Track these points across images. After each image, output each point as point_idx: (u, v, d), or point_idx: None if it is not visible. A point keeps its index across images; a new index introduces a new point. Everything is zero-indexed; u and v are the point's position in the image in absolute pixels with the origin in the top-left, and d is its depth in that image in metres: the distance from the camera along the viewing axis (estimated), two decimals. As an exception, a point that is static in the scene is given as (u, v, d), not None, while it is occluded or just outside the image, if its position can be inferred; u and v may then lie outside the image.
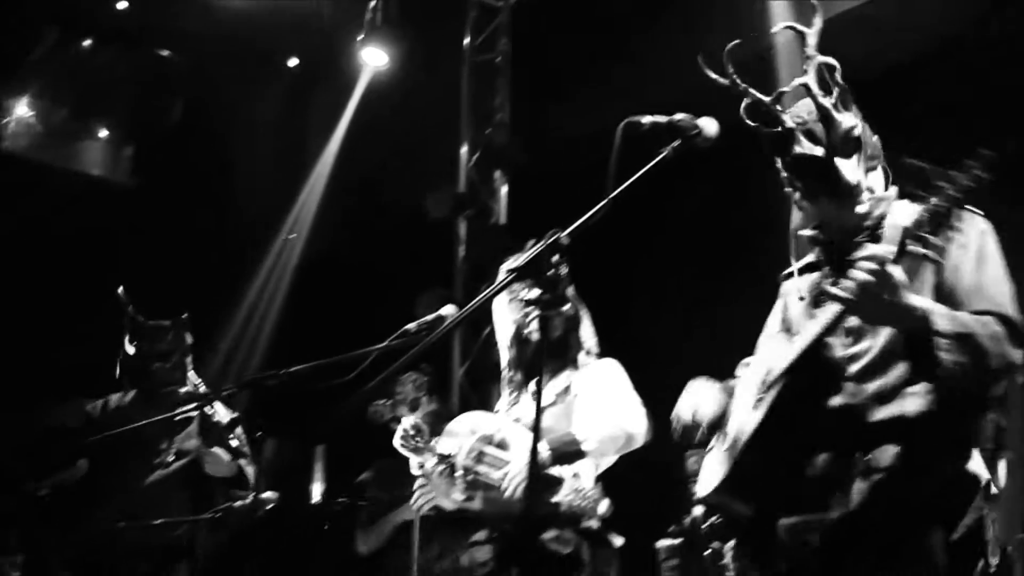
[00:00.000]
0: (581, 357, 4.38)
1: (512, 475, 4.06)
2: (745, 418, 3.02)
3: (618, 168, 2.81)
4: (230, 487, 5.15)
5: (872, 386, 2.87)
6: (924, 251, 2.71)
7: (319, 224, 8.62)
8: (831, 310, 2.80)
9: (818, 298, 3.03)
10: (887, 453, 2.82)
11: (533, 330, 4.32)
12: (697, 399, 3.22)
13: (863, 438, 2.85)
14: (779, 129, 3.01)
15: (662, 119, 2.91)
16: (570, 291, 4.42)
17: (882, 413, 2.84)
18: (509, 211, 7.84)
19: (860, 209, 3.01)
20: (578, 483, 4.02)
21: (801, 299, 3.11)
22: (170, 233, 8.25)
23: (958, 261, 2.88)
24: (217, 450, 5.13)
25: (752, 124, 3.02)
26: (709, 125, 2.95)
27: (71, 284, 7.56)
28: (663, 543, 5.19)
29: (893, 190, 3.06)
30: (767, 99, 3.01)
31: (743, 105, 3.04)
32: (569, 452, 4.08)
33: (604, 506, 4.00)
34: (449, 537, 4.81)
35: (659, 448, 4.16)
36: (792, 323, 3.14)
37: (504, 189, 7.91)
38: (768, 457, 2.94)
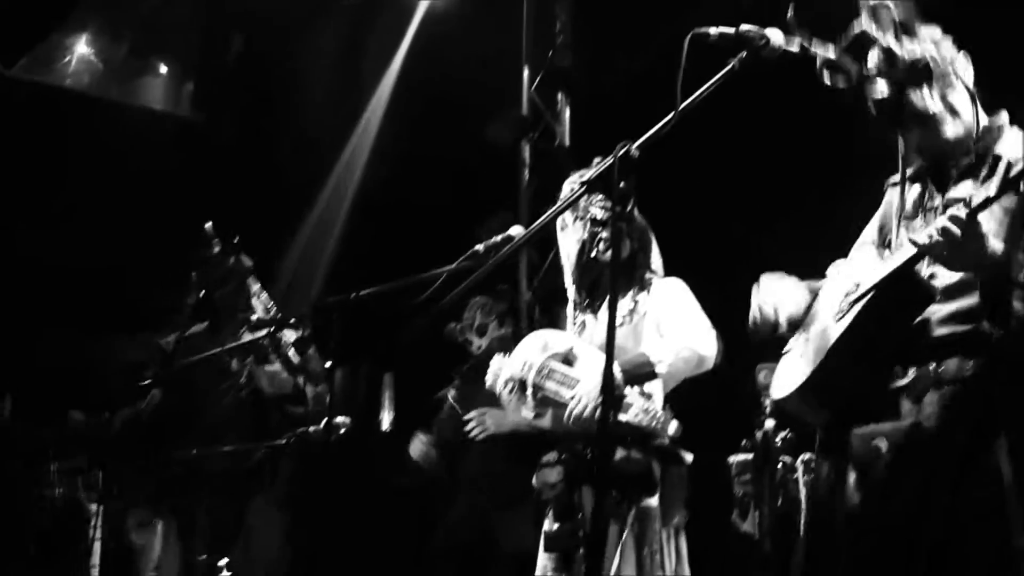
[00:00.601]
0: (648, 276, 4.36)
1: (582, 394, 4.03)
2: (828, 326, 3.07)
3: (685, 82, 2.77)
4: (286, 404, 5.14)
5: (950, 306, 2.94)
6: None
7: (380, 154, 8.59)
8: (925, 235, 2.80)
9: (917, 208, 3.12)
10: (958, 366, 2.91)
11: (600, 249, 4.29)
12: (779, 296, 3.27)
13: (937, 352, 2.94)
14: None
15: (729, 30, 2.87)
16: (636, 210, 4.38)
17: (960, 328, 2.93)
18: (573, 134, 7.76)
19: (949, 134, 3.02)
20: (648, 404, 3.98)
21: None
22: (232, 165, 8.27)
23: None
24: (271, 367, 5.14)
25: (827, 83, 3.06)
26: (776, 35, 2.91)
27: (141, 219, 7.62)
28: (735, 458, 5.19)
29: (1004, 116, 3.05)
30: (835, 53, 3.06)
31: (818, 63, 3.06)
32: (641, 373, 4.06)
33: (674, 427, 3.94)
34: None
35: (730, 363, 4.19)
36: (890, 233, 3.21)
37: (567, 112, 7.83)
38: (847, 368, 3.00)
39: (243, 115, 8.68)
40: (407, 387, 5.53)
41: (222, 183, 7.86)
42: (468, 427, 4.99)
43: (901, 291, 2.96)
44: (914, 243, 2.82)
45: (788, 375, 3.21)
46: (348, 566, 5.97)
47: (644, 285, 4.34)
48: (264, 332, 4.93)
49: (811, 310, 3.25)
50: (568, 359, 4.21)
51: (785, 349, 3.34)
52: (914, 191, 3.20)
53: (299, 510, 5.25)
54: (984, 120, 3.07)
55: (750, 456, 5.12)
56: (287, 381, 5.16)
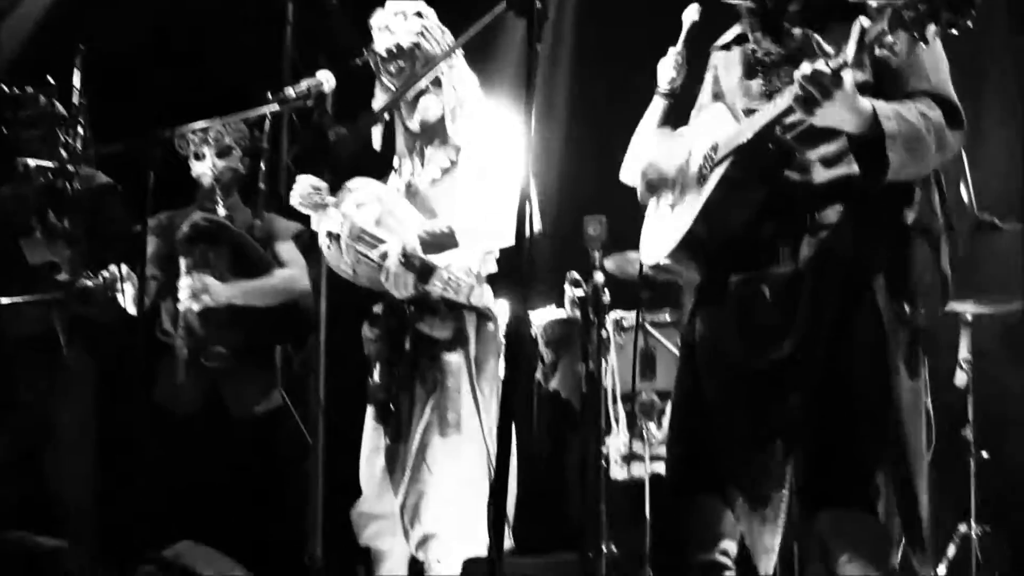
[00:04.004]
0: (468, 126, 4.22)
1: (387, 259, 4.04)
2: (693, 189, 3.13)
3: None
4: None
5: (817, 151, 2.98)
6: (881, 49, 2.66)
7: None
8: (788, 95, 2.80)
9: (753, 68, 3.13)
10: (833, 211, 2.97)
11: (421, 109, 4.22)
12: (651, 155, 3.37)
13: (810, 201, 2.99)
14: None
15: None
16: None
17: (827, 175, 2.98)
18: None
19: None
20: (450, 273, 4.02)
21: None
22: None
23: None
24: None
25: None
26: None
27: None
28: (544, 317, 5.05)
29: None
30: None
31: None
32: (441, 243, 4.06)
33: (480, 296, 4.07)
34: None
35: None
36: (726, 94, 3.23)
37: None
38: (717, 225, 3.07)
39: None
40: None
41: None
42: (181, 295, 4.70)
43: (764, 151, 2.98)
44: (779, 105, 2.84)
45: (657, 239, 3.26)
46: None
47: (464, 137, 4.21)
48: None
49: (671, 171, 3.29)
50: (381, 217, 4.16)
51: (647, 212, 3.41)
52: (741, 52, 3.21)
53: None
54: None
55: (564, 315, 4.99)
56: (42, 246, 4.76)
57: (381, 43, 4.18)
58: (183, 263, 4.76)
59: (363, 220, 4.15)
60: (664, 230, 3.24)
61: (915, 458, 2.92)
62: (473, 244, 4.09)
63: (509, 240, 4.04)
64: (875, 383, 2.91)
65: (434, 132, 4.21)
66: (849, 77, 2.70)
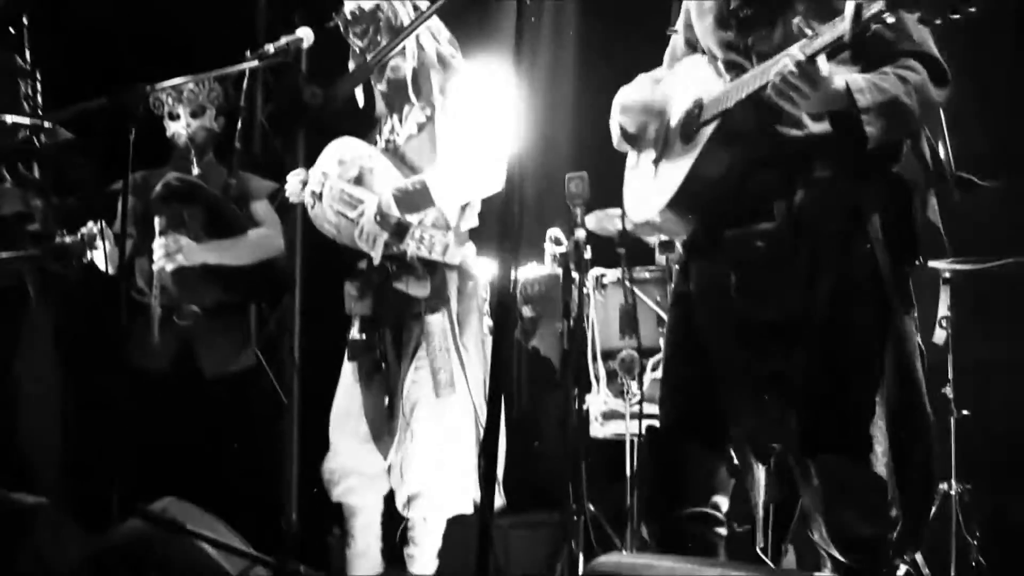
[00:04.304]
0: (442, 81, 4.20)
1: (362, 218, 4.03)
2: (679, 147, 3.10)
3: None
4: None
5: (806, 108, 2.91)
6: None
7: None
8: (771, 72, 2.80)
9: (727, 21, 3.08)
10: (825, 164, 2.95)
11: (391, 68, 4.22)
12: (626, 100, 3.31)
13: (802, 154, 2.96)
14: None
15: None
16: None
17: (818, 127, 2.94)
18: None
19: None
20: (423, 230, 4.02)
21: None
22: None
23: None
24: None
25: None
26: None
27: None
28: (525, 274, 5.00)
29: None
30: None
31: None
32: (415, 200, 4.03)
33: (458, 254, 4.07)
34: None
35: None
36: (700, 40, 3.21)
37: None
38: (709, 183, 3.04)
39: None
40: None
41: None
42: (155, 255, 4.66)
43: (751, 113, 2.96)
44: (758, 89, 2.85)
45: (645, 197, 3.23)
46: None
47: (451, 77, 4.19)
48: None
49: (649, 121, 3.29)
50: (361, 175, 4.15)
51: (628, 164, 3.38)
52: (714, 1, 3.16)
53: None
54: None
55: (545, 272, 4.95)
56: (14, 196, 4.68)
57: (347, 6, 4.17)
58: (157, 223, 4.71)
59: (344, 180, 4.13)
60: (651, 188, 3.21)
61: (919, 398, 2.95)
62: (448, 197, 4.06)
63: (484, 192, 4.11)
64: (874, 332, 2.91)
65: (406, 90, 4.19)
66: (824, 65, 2.74)
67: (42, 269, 4.68)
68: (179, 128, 4.93)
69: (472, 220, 4.20)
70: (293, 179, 4.26)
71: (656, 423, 3.49)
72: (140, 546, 2.81)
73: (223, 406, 4.81)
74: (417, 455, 4.04)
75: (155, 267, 4.64)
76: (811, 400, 2.92)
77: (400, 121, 4.24)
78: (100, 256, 4.55)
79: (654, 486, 3.25)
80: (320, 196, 4.15)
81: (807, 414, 2.93)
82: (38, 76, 4.86)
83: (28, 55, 4.91)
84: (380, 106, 4.33)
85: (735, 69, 3.03)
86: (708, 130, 3.03)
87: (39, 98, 4.81)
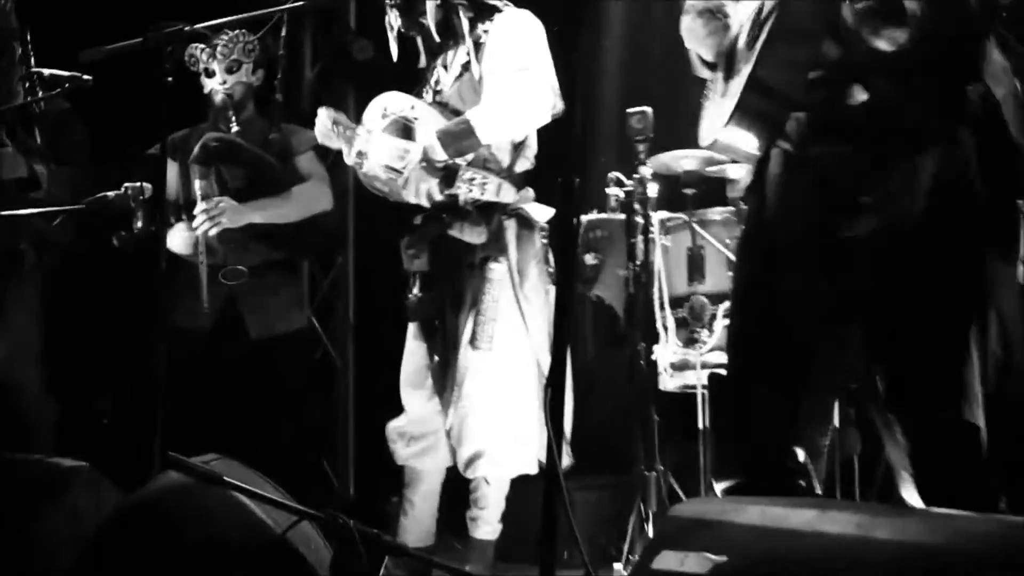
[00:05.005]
0: (480, 20, 4.00)
1: (409, 167, 3.87)
2: (743, 55, 2.85)
3: None
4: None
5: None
6: None
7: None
8: None
9: None
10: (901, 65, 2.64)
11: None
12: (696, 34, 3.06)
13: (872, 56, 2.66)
14: None
15: None
16: None
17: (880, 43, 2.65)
18: None
19: None
20: (474, 171, 3.84)
21: None
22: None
23: None
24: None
25: None
26: None
27: None
28: (587, 216, 4.77)
29: None
30: None
31: None
32: (462, 142, 3.84)
33: (511, 194, 3.86)
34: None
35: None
36: None
37: None
38: (776, 86, 2.75)
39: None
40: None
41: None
42: (197, 220, 4.52)
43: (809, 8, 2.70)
44: None
45: (712, 117, 2.94)
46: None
47: (491, 16, 3.97)
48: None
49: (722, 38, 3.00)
50: (408, 124, 3.96)
51: (704, 94, 3.10)
52: None
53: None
54: None
55: (603, 215, 4.71)
56: (17, 161, 4.50)
57: None
58: (197, 185, 4.58)
59: (389, 133, 3.97)
60: (719, 105, 2.94)
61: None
62: (495, 134, 3.87)
63: (532, 124, 3.93)
64: (970, 267, 2.64)
65: (442, 34, 4.02)
66: None
67: (41, 235, 4.51)
68: (215, 84, 4.75)
69: (527, 161, 3.99)
70: (322, 119, 4.12)
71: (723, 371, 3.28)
72: (176, 496, 2.63)
73: (269, 368, 4.63)
74: (475, 413, 3.87)
75: (198, 232, 4.50)
76: (898, 338, 2.66)
77: (445, 68, 4.07)
78: (142, 216, 4.37)
79: (725, 439, 2.99)
80: (366, 155, 3.97)
81: (894, 353, 2.67)
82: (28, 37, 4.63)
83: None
84: (423, 58, 4.16)
85: None
86: (767, 26, 2.74)
87: (32, 60, 4.60)
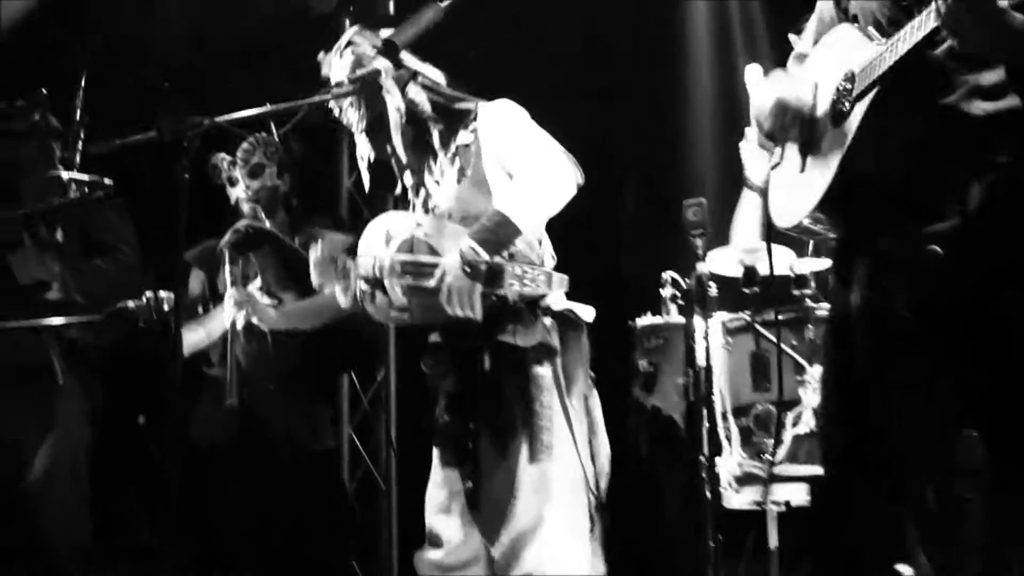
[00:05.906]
0: (466, 107, 3.80)
1: (446, 277, 3.51)
2: (829, 130, 2.70)
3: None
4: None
5: (975, 77, 2.54)
6: None
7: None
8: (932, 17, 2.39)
9: None
10: (1005, 148, 2.50)
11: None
12: (768, 96, 2.88)
13: (977, 136, 2.52)
14: None
15: None
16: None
17: (993, 105, 2.52)
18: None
19: None
20: (520, 268, 3.51)
21: None
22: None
23: None
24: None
25: None
26: None
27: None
28: (641, 321, 4.53)
29: None
30: None
31: None
32: (502, 235, 3.54)
33: (559, 282, 3.52)
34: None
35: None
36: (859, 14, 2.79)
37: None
38: (867, 172, 2.62)
39: None
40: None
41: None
42: (226, 304, 4.48)
43: (915, 76, 2.52)
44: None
45: (793, 197, 2.81)
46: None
47: (466, 120, 3.77)
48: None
49: (798, 107, 2.83)
50: (413, 244, 3.67)
51: (771, 163, 2.95)
52: None
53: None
54: None
55: (659, 319, 4.46)
56: (32, 262, 4.41)
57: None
58: (227, 272, 4.50)
59: (401, 251, 3.69)
60: (800, 184, 2.77)
61: None
62: (531, 218, 3.58)
63: (562, 201, 3.63)
64: None
65: (421, 152, 3.83)
66: None
67: (71, 341, 4.39)
68: (239, 193, 4.69)
69: (551, 257, 3.74)
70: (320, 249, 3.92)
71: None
72: None
73: (291, 490, 4.44)
74: (530, 532, 3.56)
75: (226, 320, 4.43)
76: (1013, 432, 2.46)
77: (437, 183, 3.85)
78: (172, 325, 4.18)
79: (817, 557, 2.71)
80: (378, 282, 3.69)
81: (1001, 447, 2.48)
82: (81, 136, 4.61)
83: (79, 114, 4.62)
84: (406, 178, 3.92)
85: (893, 26, 2.57)
86: (862, 106, 2.58)
87: (78, 158, 4.58)
